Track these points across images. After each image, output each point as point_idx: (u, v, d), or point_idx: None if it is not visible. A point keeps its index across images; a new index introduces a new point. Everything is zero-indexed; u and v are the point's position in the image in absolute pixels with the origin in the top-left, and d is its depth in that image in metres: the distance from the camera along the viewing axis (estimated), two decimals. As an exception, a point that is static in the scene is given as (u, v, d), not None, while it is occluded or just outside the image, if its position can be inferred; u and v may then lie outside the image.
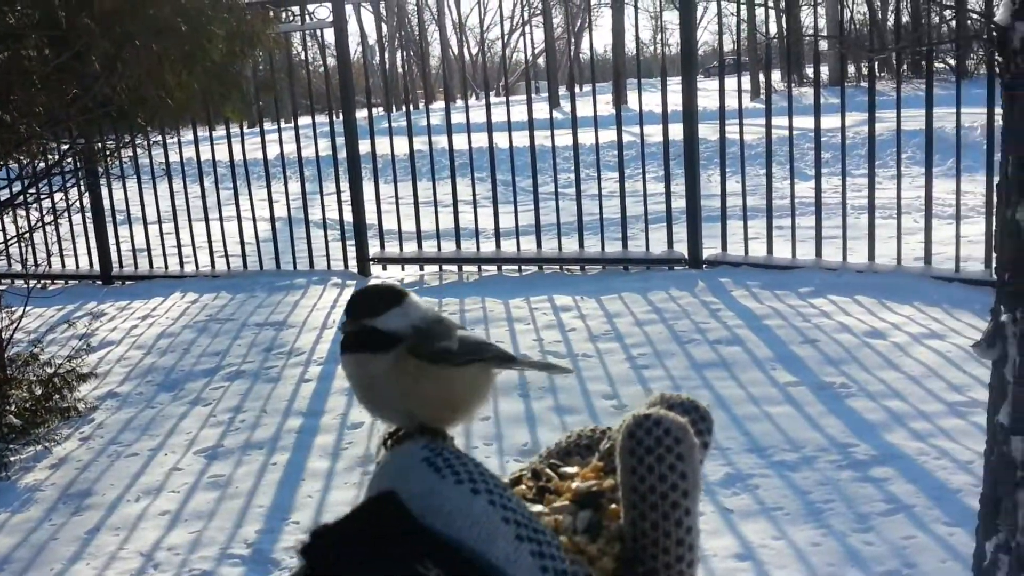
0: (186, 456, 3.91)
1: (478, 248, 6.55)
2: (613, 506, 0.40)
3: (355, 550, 0.32)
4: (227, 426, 4.20)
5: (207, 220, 6.98)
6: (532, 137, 6.37)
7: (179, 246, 7.06)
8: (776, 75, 16.42)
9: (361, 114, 7.17)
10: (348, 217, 6.77)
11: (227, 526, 3.30)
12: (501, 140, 6.47)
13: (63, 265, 7.34)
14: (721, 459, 3.35)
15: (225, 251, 7.01)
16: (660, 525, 0.37)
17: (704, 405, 0.42)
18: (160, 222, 7.16)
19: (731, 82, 6.29)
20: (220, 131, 7.85)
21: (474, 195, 6.58)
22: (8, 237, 6.09)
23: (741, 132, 5.91)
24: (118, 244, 7.23)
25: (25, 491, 3.71)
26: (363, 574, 0.32)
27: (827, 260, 5.68)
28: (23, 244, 6.52)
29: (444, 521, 0.34)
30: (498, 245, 6.48)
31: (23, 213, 5.91)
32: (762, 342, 4.53)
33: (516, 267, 6.40)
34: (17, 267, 7.03)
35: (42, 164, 5.73)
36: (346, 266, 6.75)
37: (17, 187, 4.78)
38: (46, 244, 7.22)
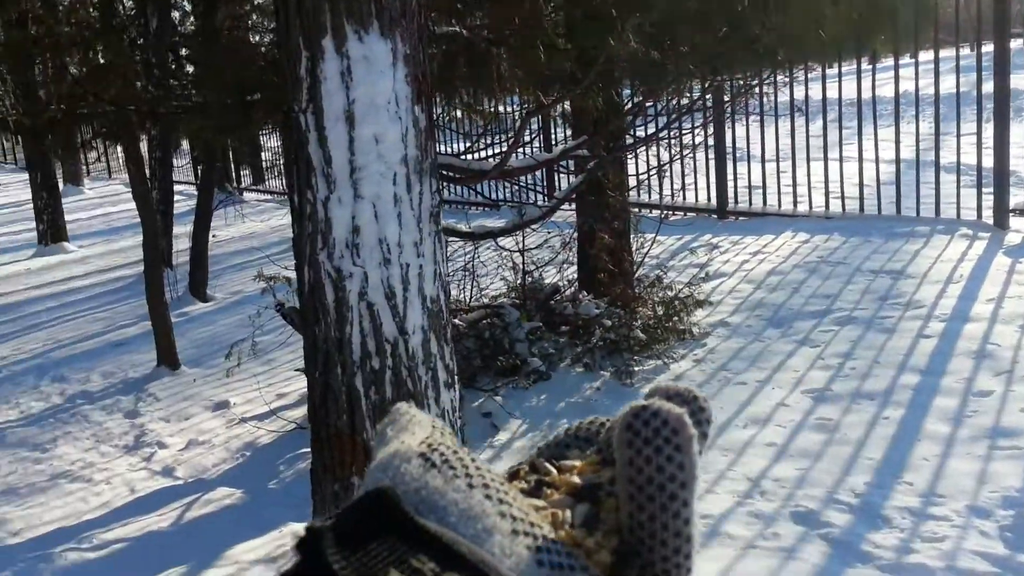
0: (793, 393, 3.87)
1: None
2: (611, 499, 0.39)
3: (349, 546, 0.32)
4: (836, 371, 4.04)
5: (826, 160, 6.78)
6: None
7: (794, 185, 7.00)
8: None
9: (1014, 44, 6.17)
10: (987, 163, 5.94)
11: (834, 470, 3.18)
12: None
13: (684, 198, 7.87)
14: None
15: (842, 192, 6.74)
16: (657, 517, 0.36)
17: (702, 396, 0.40)
18: (778, 160, 7.17)
19: None
20: (842, 67, 7.55)
21: None
22: (642, 171, 6.70)
23: None
24: (735, 180, 7.48)
25: (646, 398, 4.06)
26: (357, 570, 0.32)
27: None
28: (657, 177, 7.14)
29: (440, 516, 0.34)
30: None
31: (656, 149, 6.44)
32: None
33: None
34: (645, 198, 7.77)
35: (674, 103, 6.10)
36: (979, 216, 5.97)
37: (653, 125, 5.16)
38: (671, 179, 7.80)
